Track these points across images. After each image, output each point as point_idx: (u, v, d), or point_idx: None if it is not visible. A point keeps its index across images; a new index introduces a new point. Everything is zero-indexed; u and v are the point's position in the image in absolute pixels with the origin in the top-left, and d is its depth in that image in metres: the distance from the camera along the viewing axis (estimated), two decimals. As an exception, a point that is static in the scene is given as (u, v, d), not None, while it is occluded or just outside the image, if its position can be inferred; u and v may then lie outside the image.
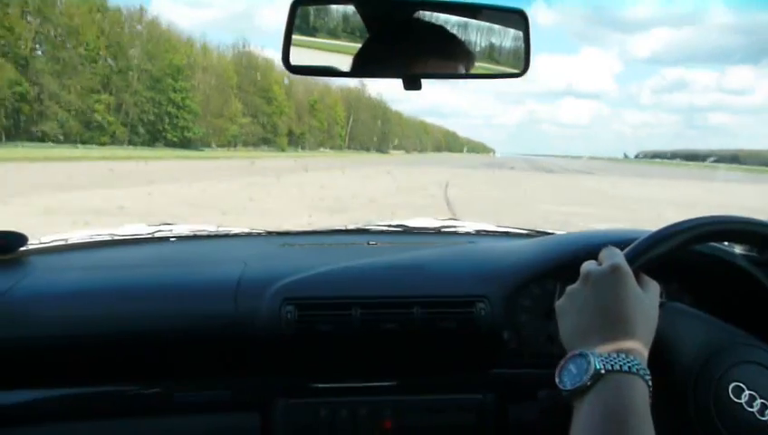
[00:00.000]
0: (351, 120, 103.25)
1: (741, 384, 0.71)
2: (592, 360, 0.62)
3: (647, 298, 0.69)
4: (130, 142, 46.68)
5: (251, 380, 1.06)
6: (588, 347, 0.64)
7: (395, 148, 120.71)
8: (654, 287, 0.72)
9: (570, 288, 0.72)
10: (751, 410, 0.70)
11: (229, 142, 60.83)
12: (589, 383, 0.61)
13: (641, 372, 0.61)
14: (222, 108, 59.57)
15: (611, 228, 1.21)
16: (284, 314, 1.01)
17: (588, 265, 0.72)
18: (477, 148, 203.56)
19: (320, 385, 1.06)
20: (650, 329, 0.68)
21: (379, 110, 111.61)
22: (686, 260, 1.08)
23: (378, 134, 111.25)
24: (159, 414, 1.04)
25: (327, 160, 37.07)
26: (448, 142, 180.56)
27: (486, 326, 1.05)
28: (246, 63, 69.07)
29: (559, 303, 0.72)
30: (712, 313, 1.02)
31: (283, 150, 70.14)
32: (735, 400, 0.70)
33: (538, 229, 1.50)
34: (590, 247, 1.05)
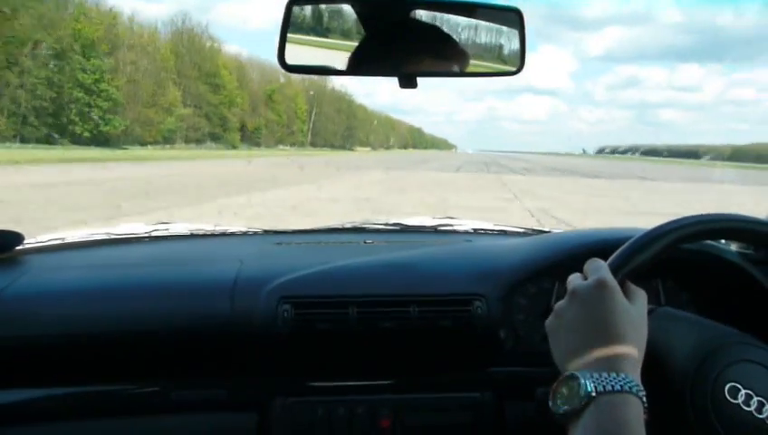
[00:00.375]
0: (314, 113, 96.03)
1: (736, 384, 0.71)
2: (583, 382, 0.61)
3: (634, 310, 0.69)
4: (23, 139, 35.15)
5: (248, 378, 1.06)
6: (579, 367, 0.64)
7: (361, 144, 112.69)
8: (641, 297, 0.72)
9: (557, 306, 0.71)
10: (748, 409, 0.70)
11: (165, 138, 49.55)
12: (581, 406, 0.60)
13: (635, 390, 0.61)
14: (155, 96, 48.28)
15: (607, 227, 1.21)
16: (281, 312, 1.01)
17: (574, 282, 0.71)
18: (440, 144, 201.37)
19: (317, 384, 1.06)
20: (641, 341, 0.67)
21: (344, 103, 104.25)
22: (682, 258, 1.08)
23: (343, 130, 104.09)
24: (156, 413, 1.04)
25: (278, 167, 25.79)
26: (414, 139, 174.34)
27: (483, 325, 1.05)
28: (188, 44, 57.67)
29: (548, 322, 0.72)
30: (708, 310, 1.05)
31: (234, 147, 59.07)
32: (732, 400, 0.70)
33: (535, 228, 1.49)
34: (587, 246, 1.09)
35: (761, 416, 0.69)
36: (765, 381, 0.72)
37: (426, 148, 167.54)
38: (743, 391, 0.71)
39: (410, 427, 1.06)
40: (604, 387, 0.60)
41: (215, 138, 57.69)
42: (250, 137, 69.61)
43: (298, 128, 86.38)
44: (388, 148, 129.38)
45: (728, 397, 0.71)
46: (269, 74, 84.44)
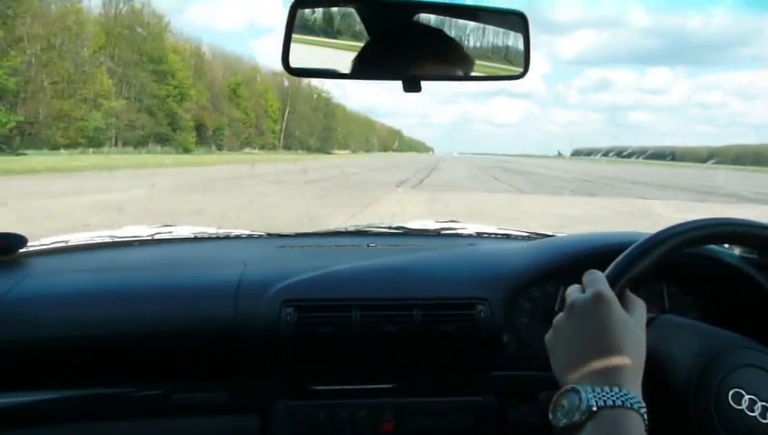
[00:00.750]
0: (288, 112, 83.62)
1: (740, 390, 0.71)
2: (584, 396, 0.61)
3: (633, 322, 0.69)
4: None
5: (250, 382, 1.06)
6: (580, 380, 0.64)
7: (340, 147, 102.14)
8: (640, 307, 0.72)
9: (556, 320, 0.71)
10: (752, 414, 0.70)
11: (90, 140, 37.69)
12: (582, 420, 0.60)
13: (636, 406, 0.61)
14: (77, 84, 36.31)
15: (611, 232, 1.21)
16: (284, 316, 1.01)
17: (572, 295, 0.71)
18: (419, 147, 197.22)
19: (319, 387, 1.06)
20: (640, 353, 0.67)
21: (321, 101, 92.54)
22: (685, 262, 1.08)
23: (320, 130, 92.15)
24: (159, 416, 1.04)
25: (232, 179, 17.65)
26: (394, 141, 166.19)
27: (486, 329, 1.05)
28: (128, 21, 45.65)
29: (547, 336, 0.72)
30: (712, 314, 1.08)
31: (187, 151, 46.99)
32: (736, 406, 0.70)
33: (539, 232, 1.48)
34: (591, 250, 1.10)
35: (765, 421, 0.69)
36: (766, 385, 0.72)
37: (405, 151, 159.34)
38: (746, 397, 0.70)
39: (413, 430, 1.06)
40: (605, 402, 0.60)
41: (161, 139, 45.98)
42: (210, 138, 57.81)
43: (268, 127, 74.62)
44: (367, 151, 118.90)
45: (732, 403, 0.70)
46: (234, 66, 72.11)
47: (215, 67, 63.38)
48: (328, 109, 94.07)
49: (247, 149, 66.30)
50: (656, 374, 0.70)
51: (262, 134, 71.78)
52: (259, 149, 69.91)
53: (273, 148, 75.87)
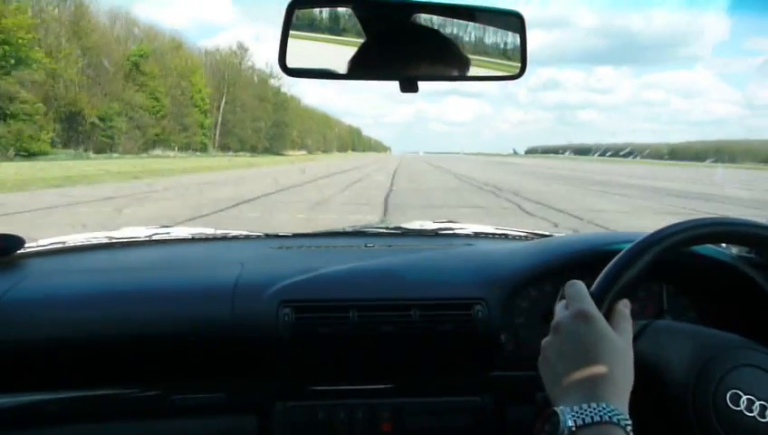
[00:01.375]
0: (224, 101, 62.52)
1: (737, 391, 0.72)
2: (563, 418, 0.61)
3: (618, 338, 0.68)
4: None
5: (248, 382, 1.06)
6: (564, 398, 0.64)
7: (294, 147, 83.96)
8: (626, 323, 0.72)
9: (544, 341, 0.72)
10: (751, 414, 0.70)
11: None
12: None
13: (618, 420, 0.60)
14: None
15: (609, 232, 1.22)
16: (282, 316, 1.01)
17: (557, 314, 0.72)
18: (377, 147, 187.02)
19: (317, 388, 1.06)
20: (627, 369, 0.67)
21: (270, 90, 70.94)
22: (682, 262, 1.08)
23: (269, 126, 71.25)
24: (157, 417, 1.04)
25: None
26: (354, 141, 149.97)
27: (484, 329, 1.05)
28: None
29: (539, 359, 0.72)
30: (709, 314, 1.09)
31: (30, 154, 27.35)
32: (734, 408, 0.71)
33: (536, 231, 1.47)
34: (588, 250, 1.09)
35: (764, 420, 0.70)
36: (765, 384, 0.73)
37: (364, 150, 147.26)
38: (744, 397, 0.71)
39: (411, 430, 1.06)
40: (584, 420, 0.60)
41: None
42: (89, 133, 37.64)
43: (195, 121, 54.21)
44: (325, 151, 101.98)
45: (730, 404, 0.71)
46: (145, 36, 50.61)
47: (102, 29, 42.93)
48: (279, 100, 72.64)
49: (158, 151, 45.64)
50: (653, 382, 0.72)
51: (185, 130, 51.11)
52: (181, 150, 49.25)
53: (203, 148, 55.23)
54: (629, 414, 0.62)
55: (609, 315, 0.70)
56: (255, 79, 68.08)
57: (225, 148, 58.71)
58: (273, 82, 67.91)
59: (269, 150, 66.65)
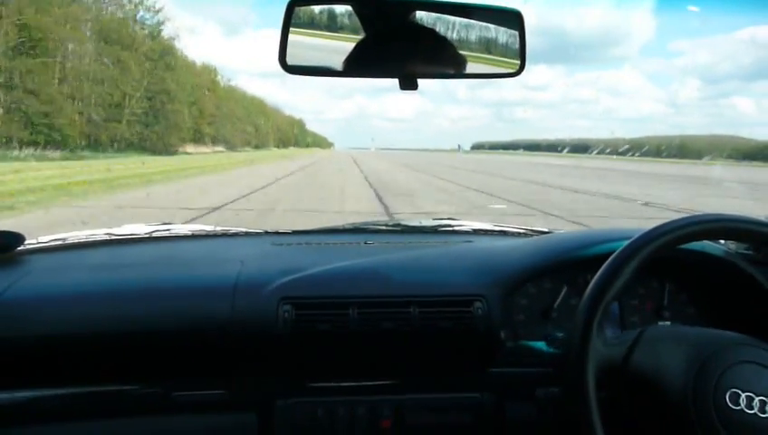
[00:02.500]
0: (89, 59, 34.73)
1: (735, 390, 0.72)
2: None
3: None
4: None
5: (249, 379, 1.06)
6: None
7: (209, 140, 52.52)
8: None
9: None
10: (752, 411, 0.71)
11: None
12: None
13: None
14: None
15: (608, 228, 1.21)
16: (282, 313, 1.01)
17: None
18: (322, 143, 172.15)
19: (317, 385, 1.06)
20: None
21: (170, 54, 43.06)
22: (681, 259, 1.09)
23: (144, 105, 37.86)
24: (157, 414, 1.04)
25: None
26: (296, 135, 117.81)
27: (484, 325, 1.05)
28: None
29: None
30: (708, 310, 1.11)
31: None
32: (735, 407, 0.72)
33: (535, 228, 1.48)
34: (588, 247, 1.09)
35: (764, 415, 0.71)
36: (763, 379, 0.73)
37: (309, 146, 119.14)
38: (743, 395, 0.72)
39: (411, 427, 1.06)
40: None
41: None
42: None
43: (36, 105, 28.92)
44: (258, 146, 72.17)
45: (730, 404, 0.72)
46: None
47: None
48: (165, 58, 41.51)
49: None
50: (653, 393, 0.73)
51: (8, 112, 28.34)
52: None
53: (64, 145, 30.75)
54: (635, 424, 0.62)
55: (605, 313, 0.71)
56: (142, 34, 39.25)
57: (96, 146, 32.77)
58: (149, 23, 38.94)
59: (144, 147, 36.69)
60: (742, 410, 0.71)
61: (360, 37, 0.93)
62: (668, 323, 1.14)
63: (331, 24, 0.95)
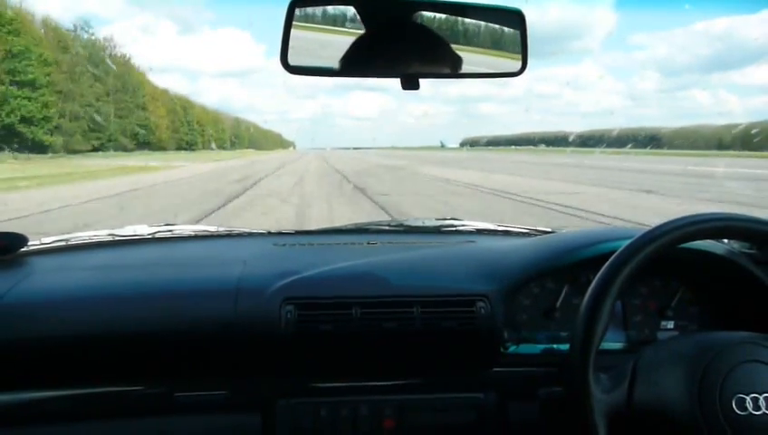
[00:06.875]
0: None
1: (740, 395, 0.73)
2: None
3: None
4: None
5: (252, 380, 1.06)
6: None
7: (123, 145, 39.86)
8: None
9: None
10: (759, 413, 0.72)
11: None
12: None
13: None
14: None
15: (611, 227, 1.22)
16: (284, 313, 1.01)
17: None
18: (285, 144, 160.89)
19: (320, 385, 1.06)
20: None
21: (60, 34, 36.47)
22: (684, 258, 1.09)
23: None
24: (160, 414, 1.04)
25: None
26: (250, 137, 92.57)
27: (486, 325, 1.05)
28: None
29: None
30: (711, 309, 1.11)
31: None
32: (743, 413, 0.72)
33: (538, 228, 1.48)
34: (591, 247, 1.08)
35: None
36: (764, 376, 0.73)
37: (263, 148, 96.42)
38: (748, 399, 0.72)
39: (414, 427, 1.06)
40: None
41: None
42: None
43: None
44: (164, 148, 48.97)
45: (738, 411, 0.72)
46: None
47: None
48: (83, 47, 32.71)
49: None
50: (663, 422, 0.73)
51: None
52: None
53: None
54: None
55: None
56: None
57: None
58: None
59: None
60: (750, 413, 0.72)
61: (361, 36, 0.93)
62: (670, 323, 1.15)
63: (333, 24, 0.95)
